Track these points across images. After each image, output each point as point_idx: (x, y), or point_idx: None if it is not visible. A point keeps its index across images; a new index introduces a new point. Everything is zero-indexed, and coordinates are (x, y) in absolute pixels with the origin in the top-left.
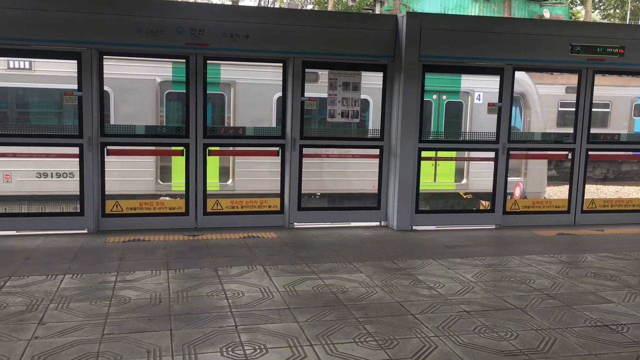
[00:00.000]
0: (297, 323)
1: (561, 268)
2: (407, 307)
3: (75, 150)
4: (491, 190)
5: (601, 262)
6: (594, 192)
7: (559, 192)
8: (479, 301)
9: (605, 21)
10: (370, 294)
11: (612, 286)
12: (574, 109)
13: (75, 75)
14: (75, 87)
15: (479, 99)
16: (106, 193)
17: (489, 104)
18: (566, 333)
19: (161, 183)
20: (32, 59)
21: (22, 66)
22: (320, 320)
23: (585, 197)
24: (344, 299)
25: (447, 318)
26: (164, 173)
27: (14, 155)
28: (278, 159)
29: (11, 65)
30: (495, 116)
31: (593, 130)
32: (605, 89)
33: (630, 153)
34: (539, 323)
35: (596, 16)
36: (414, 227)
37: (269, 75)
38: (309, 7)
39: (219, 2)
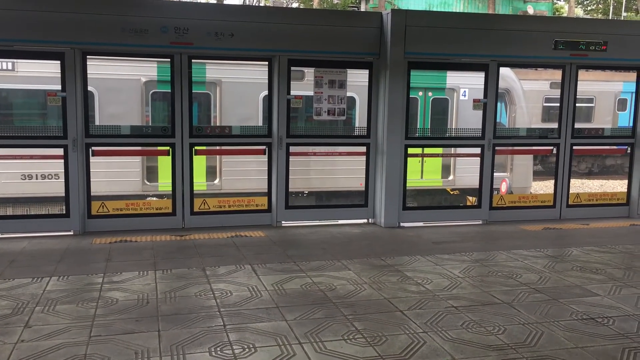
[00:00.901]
0: (286, 321)
1: (547, 262)
2: (395, 303)
3: (60, 151)
4: (478, 186)
5: (587, 256)
6: (579, 186)
7: (545, 187)
8: (467, 296)
9: (588, 17)
10: (359, 291)
11: (598, 279)
12: (558, 105)
13: (59, 75)
14: (59, 87)
15: (465, 96)
16: (92, 194)
17: (474, 100)
18: (553, 327)
19: (148, 183)
20: (15, 60)
21: (4, 67)
22: (309, 318)
23: (571, 191)
24: (333, 296)
25: (435, 314)
26: (151, 173)
27: None
28: (265, 158)
29: None
30: (480, 112)
31: (577, 125)
32: (589, 84)
33: (615, 147)
34: (526, 317)
35: (579, 12)
36: (402, 224)
37: (255, 73)
38: (294, 5)
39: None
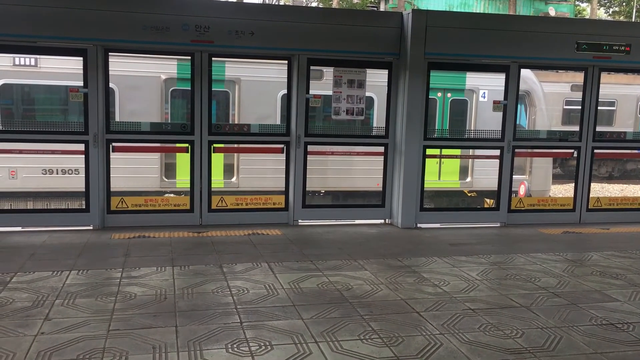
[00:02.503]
0: (302, 320)
1: (566, 266)
2: (412, 304)
3: (80, 146)
4: (496, 188)
5: (607, 261)
6: (599, 190)
7: (564, 190)
8: (484, 299)
9: (611, 19)
10: (375, 292)
11: (618, 284)
12: (579, 107)
13: (81, 72)
14: (81, 83)
15: (484, 97)
16: (111, 190)
17: (495, 102)
18: (572, 331)
19: (166, 180)
20: (38, 56)
21: (27, 63)
22: (325, 317)
23: (591, 195)
24: (349, 296)
25: (452, 316)
26: (169, 170)
27: (20, 151)
28: (283, 156)
29: (17, 62)
30: (500, 114)
31: (599, 129)
32: (611, 87)
33: (636, 151)
34: (544, 321)
35: (602, 13)
36: (419, 225)
37: (274, 72)
38: (314, 4)
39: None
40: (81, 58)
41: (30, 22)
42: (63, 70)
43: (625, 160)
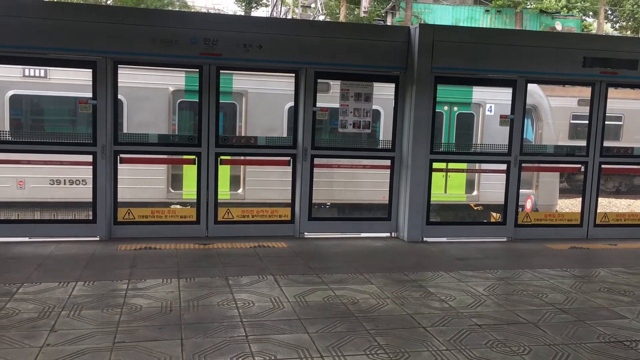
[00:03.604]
0: (308, 334)
1: (574, 282)
2: (418, 319)
3: (88, 158)
4: (502, 202)
5: (614, 277)
6: (606, 205)
7: (571, 205)
8: (491, 315)
9: (618, 34)
10: (381, 306)
11: (626, 301)
12: (586, 122)
13: (90, 83)
14: (90, 95)
15: (491, 111)
16: (118, 200)
17: (501, 116)
18: (579, 349)
19: (172, 191)
20: (48, 67)
21: (37, 74)
22: (331, 331)
23: (598, 210)
24: (355, 310)
25: (459, 331)
26: (175, 181)
27: (28, 162)
28: (289, 169)
29: (26, 73)
30: (506, 128)
31: (606, 144)
32: (618, 101)
33: None
34: (551, 338)
35: (608, 28)
36: (425, 239)
37: (281, 85)
38: (322, 17)
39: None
40: (90, 70)
41: (42, 35)
42: (72, 81)
43: (632, 175)
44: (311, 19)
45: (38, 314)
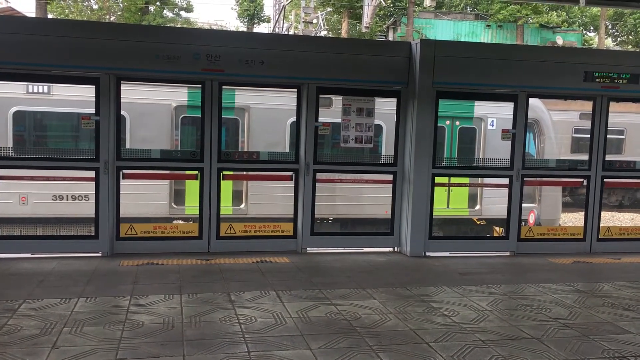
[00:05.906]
0: (310, 350)
1: (578, 297)
2: (421, 335)
3: (91, 174)
4: (505, 217)
5: (618, 292)
6: (609, 219)
7: (574, 219)
8: (495, 330)
9: (619, 48)
10: (384, 321)
11: (630, 316)
12: (588, 135)
13: (93, 99)
14: (93, 111)
15: (493, 125)
16: (120, 215)
17: (503, 130)
18: None
19: (175, 206)
20: (52, 84)
21: (40, 90)
22: (334, 347)
23: (601, 224)
24: (358, 325)
25: (462, 347)
26: (178, 196)
27: (31, 178)
28: (291, 184)
29: (30, 90)
30: (508, 142)
31: (608, 157)
32: (620, 115)
33: None
34: (555, 353)
35: (609, 43)
36: (428, 254)
37: (283, 100)
38: (323, 33)
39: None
40: (93, 86)
41: (45, 51)
42: (75, 97)
43: (635, 188)
44: (313, 34)
45: (40, 331)
